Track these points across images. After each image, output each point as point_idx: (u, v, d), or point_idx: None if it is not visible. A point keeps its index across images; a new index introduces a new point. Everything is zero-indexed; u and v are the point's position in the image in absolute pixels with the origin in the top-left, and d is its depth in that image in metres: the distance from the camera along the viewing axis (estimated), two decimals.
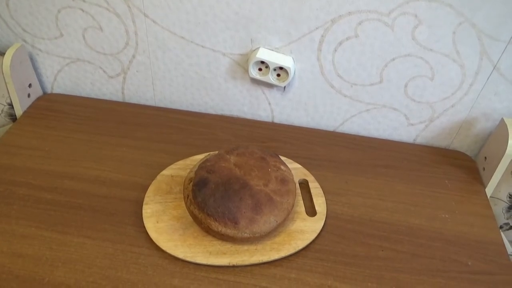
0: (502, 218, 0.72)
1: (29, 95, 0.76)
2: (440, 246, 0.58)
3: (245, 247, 0.54)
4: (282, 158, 0.67)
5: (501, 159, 0.65)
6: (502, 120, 0.67)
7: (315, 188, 0.64)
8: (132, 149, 0.69)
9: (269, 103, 0.76)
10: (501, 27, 0.60)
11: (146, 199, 0.59)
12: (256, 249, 0.54)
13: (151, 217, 0.57)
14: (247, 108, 0.78)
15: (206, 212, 0.52)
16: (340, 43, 0.66)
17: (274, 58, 0.67)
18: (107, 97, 0.81)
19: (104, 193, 0.61)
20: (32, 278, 0.50)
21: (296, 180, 0.64)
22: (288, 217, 0.56)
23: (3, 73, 0.70)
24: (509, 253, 0.59)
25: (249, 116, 0.79)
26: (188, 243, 0.54)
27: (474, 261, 0.57)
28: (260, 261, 0.53)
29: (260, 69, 0.70)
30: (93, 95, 0.81)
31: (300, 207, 0.60)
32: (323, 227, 0.58)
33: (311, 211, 0.60)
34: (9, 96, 0.73)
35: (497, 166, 0.66)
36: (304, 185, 0.65)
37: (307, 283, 0.52)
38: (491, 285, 0.54)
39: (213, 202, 0.52)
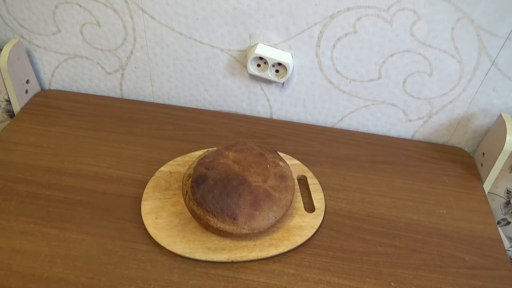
0: (499, 214, 0.72)
1: (26, 91, 0.76)
2: (438, 241, 0.58)
3: (244, 243, 0.54)
4: (281, 154, 0.67)
5: (499, 155, 0.65)
6: (500, 116, 0.67)
7: (314, 184, 0.64)
8: (130, 145, 0.69)
9: (268, 99, 0.76)
10: (499, 22, 0.60)
11: (144, 196, 0.59)
12: (254, 245, 0.54)
13: (149, 213, 0.57)
14: (246, 104, 0.78)
15: (205, 208, 0.52)
16: (339, 39, 0.65)
17: (273, 54, 0.67)
18: (105, 93, 0.80)
19: (103, 190, 0.61)
20: (31, 274, 0.50)
21: (295, 176, 0.64)
22: (286, 213, 0.56)
23: (0, 69, 0.69)
24: (506, 248, 0.59)
25: (247, 112, 0.79)
26: (187, 239, 0.54)
27: (472, 256, 0.57)
28: (259, 257, 0.53)
29: (258, 65, 0.70)
30: (91, 91, 0.81)
31: (299, 203, 0.60)
32: (321, 223, 0.58)
33: (310, 207, 0.60)
34: (7, 92, 0.72)
35: (495, 162, 0.66)
36: (303, 181, 0.65)
37: (306, 278, 0.53)
38: (489, 280, 0.54)
39: (212, 198, 0.52)
